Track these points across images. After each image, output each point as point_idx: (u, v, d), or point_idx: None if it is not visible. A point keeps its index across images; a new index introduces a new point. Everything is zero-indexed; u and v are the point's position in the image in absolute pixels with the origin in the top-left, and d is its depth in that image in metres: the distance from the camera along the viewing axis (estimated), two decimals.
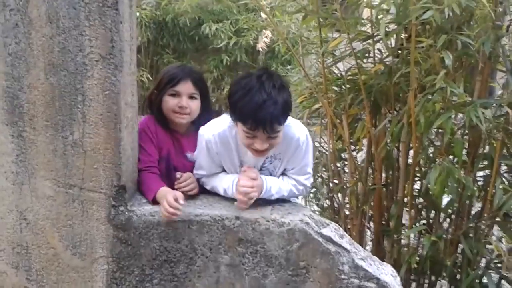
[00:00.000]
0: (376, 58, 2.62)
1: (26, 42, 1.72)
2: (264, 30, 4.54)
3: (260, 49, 5.03)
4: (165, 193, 1.82)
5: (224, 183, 1.92)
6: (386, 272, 1.88)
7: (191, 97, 2.03)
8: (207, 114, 2.07)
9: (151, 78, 7.26)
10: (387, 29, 2.35)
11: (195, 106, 2.04)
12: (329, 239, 1.85)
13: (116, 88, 1.74)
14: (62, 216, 1.82)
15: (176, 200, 1.77)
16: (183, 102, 2.01)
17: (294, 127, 1.89)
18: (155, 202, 1.86)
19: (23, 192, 1.80)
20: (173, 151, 2.06)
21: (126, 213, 1.83)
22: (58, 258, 1.84)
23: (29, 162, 1.79)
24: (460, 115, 2.41)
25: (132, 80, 1.90)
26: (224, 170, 1.98)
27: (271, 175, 1.97)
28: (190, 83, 2.02)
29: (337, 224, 1.94)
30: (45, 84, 1.74)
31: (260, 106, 1.70)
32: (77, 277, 1.85)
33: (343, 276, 1.83)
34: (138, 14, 7.30)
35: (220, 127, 1.89)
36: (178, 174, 1.97)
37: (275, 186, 1.91)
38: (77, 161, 1.78)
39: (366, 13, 2.68)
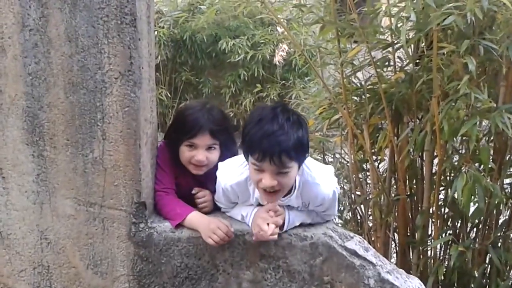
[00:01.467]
0: (396, 67, 2.58)
1: (45, 62, 1.73)
2: (280, 44, 4.55)
3: (277, 63, 5.03)
4: (209, 221, 1.79)
5: (243, 210, 1.86)
6: (413, 285, 1.83)
7: (209, 147, 1.90)
8: (228, 156, 1.95)
9: (170, 96, 7.33)
10: (407, 37, 2.32)
11: (213, 157, 1.91)
12: (354, 253, 1.81)
13: (135, 105, 1.74)
14: (83, 234, 1.81)
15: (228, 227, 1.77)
16: (200, 156, 1.87)
17: (323, 186, 1.78)
18: (178, 226, 1.82)
19: (43, 212, 1.80)
20: (192, 183, 1.98)
21: (147, 230, 1.81)
22: (79, 277, 1.83)
23: (49, 181, 1.79)
24: (485, 122, 2.36)
25: (151, 96, 1.90)
26: None
27: None
28: (208, 135, 1.88)
29: (361, 237, 1.89)
30: (65, 102, 1.74)
31: (269, 135, 1.61)
32: None
33: None
34: (156, 32, 7.38)
35: (237, 176, 1.79)
36: (194, 190, 1.93)
37: (297, 218, 1.84)
38: (97, 179, 1.78)
39: (384, 21, 2.65)
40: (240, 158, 1.83)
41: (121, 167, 1.77)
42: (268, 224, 1.73)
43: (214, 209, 1.94)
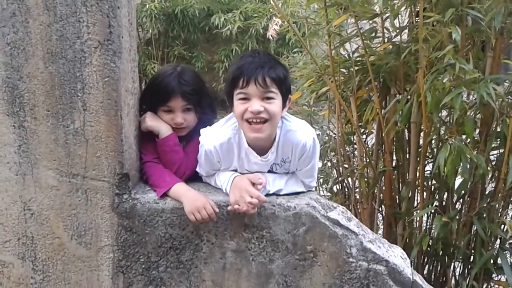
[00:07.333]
0: (385, 38, 2.55)
1: (24, 31, 1.70)
2: (274, 17, 4.49)
3: (271, 37, 4.97)
4: (196, 197, 1.79)
5: (221, 179, 1.87)
6: (395, 254, 1.84)
7: (185, 109, 1.95)
8: (207, 119, 2.00)
9: None
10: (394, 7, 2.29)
11: (190, 118, 1.97)
12: (337, 222, 1.82)
13: (115, 75, 1.72)
14: (66, 205, 1.81)
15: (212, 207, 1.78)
16: (178, 118, 1.93)
17: (301, 132, 1.83)
18: (164, 196, 1.83)
19: (26, 183, 1.80)
20: None
21: (130, 201, 1.81)
22: (63, 248, 1.84)
23: (31, 152, 1.78)
24: (474, 95, 2.34)
25: (132, 66, 1.87)
26: None
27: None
28: (180, 98, 1.92)
29: (344, 207, 1.90)
30: (44, 73, 1.72)
31: (251, 63, 1.70)
32: (83, 266, 1.85)
33: (351, 259, 1.80)
34: (147, 6, 7.28)
35: (222, 136, 1.82)
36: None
37: (277, 184, 1.87)
38: (79, 150, 1.77)
39: None
40: (221, 122, 1.87)
41: (103, 138, 1.75)
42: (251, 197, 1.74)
43: (195, 179, 1.95)
